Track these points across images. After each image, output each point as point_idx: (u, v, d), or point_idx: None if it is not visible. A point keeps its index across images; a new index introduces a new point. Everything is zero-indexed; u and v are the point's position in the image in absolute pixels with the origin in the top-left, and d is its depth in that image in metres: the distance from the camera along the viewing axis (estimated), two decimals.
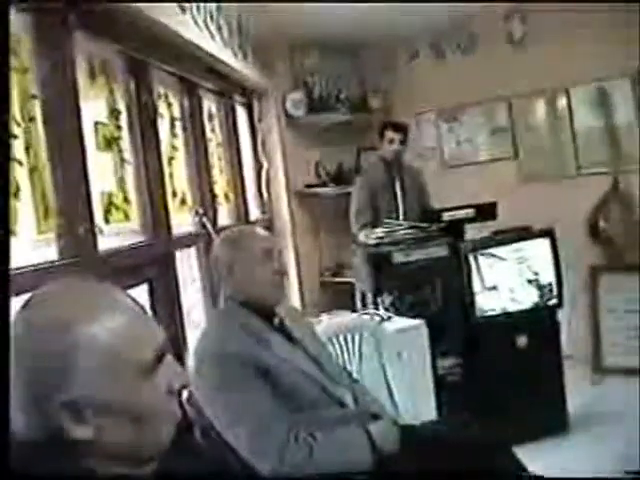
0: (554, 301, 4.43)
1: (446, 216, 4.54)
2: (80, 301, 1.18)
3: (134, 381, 1.17)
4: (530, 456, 2.70)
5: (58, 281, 1.24)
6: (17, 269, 2.13)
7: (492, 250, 4.31)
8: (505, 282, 4.32)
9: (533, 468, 2.63)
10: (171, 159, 3.90)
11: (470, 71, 6.09)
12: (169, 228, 3.62)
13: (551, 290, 4.39)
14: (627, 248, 5.55)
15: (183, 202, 4.02)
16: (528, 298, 4.37)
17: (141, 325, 1.23)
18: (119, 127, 3.23)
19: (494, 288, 4.29)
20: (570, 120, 5.85)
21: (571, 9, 5.29)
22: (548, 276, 4.40)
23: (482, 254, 4.28)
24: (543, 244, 4.41)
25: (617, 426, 4.35)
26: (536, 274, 4.37)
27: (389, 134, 5.18)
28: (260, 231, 2.73)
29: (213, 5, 4.19)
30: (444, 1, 5.22)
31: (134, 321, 1.21)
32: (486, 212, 4.59)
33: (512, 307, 4.32)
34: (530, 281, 4.36)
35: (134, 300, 1.26)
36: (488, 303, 4.28)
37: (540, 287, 4.38)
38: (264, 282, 2.56)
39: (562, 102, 5.87)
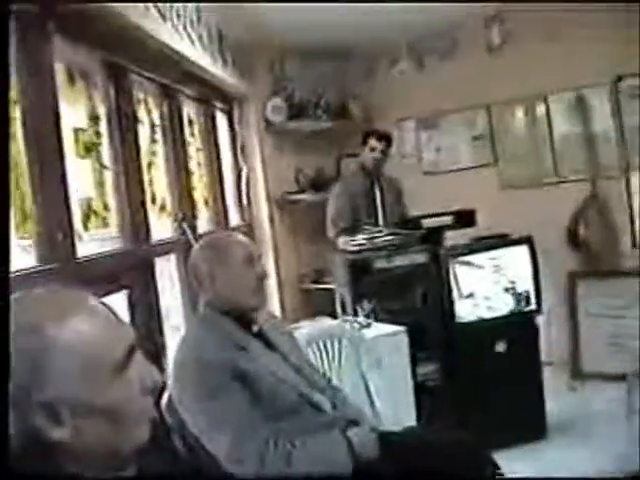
0: (533, 307, 4.45)
1: (425, 223, 4.56)
2: (50, 304, 1.19)
3: (107, 379, 1.18)
4: (509, 461, 2.71)
5: (28, 289, 1.25)
6: None
7: (471, 257, 4.33)
8: (482, 289, 4.34)
9: (511, 473, 2.65)
10: (150, 165, 3.89)
11: (450, 78, 6.12)
12: (148, 234, 3.61)
13: (528, 298, 4.41)
14: (605, 254, 5.59)
15: (163, 208, 4.01)
16: (505, 306, 4.39)
17: (110, 325, 1.23)
18: (98, 133, 3.21)
19: (472, 295, 4.31)
20: (549, 127, 5.89)
21: (551, 12, 5.34)
22: (526, 283, 4.42)
23: (460, 262, 4.29)
24: (522, 251, 4.43)
25: (595, 431, 4.38)
26: (513, 282, 4.38)
27: (372, 142, 5.19)
28: (240, 237, 2.72)
29: (193, 11, 4.19)
30: (428, 1, 5.17)
31: (103, 321, 1.22)
32: (465, 219, 4.62)
33: (489, 314, 4.34)
34: (507, 289, 4.38)
35: (103, 303, 1.27)
36: (466, 310, 4.29)
37: (517, 295, 4.40)
38: (247, 288, 2.56)
39: (541, 109, 5.91)
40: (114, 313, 1.28)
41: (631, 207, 5.50)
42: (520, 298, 4.39)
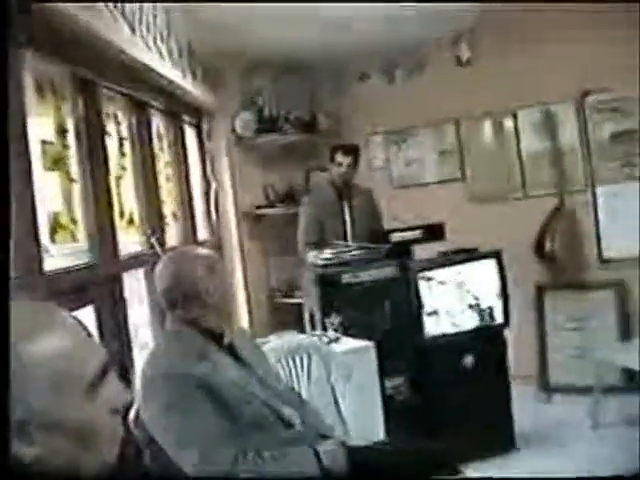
0: (500, 321, 4.47)
1: (394, 237, 4.57)
2: (20, 320, 1.17)
3: (78, 399, 1.16)
4: (478, 474, 2.72)
5: None
6: None
7: (439, 271, 4.35)
8: (449, 304, 4.36)
9: None
10: (119, 179, 3.86)
11: (419, 93, 6.15)
12: (116, 248, 3.58)
13: (491, 312, 4.45)
14: (572, 267, 5.65)
15: (131, 222, 3.99)
16: (471, 320, 4.41)
17: (83, 343, 1.21)
18: (66, 146, 3.19)
19: (439, 310, 4.33)
20: (517, 142, 5.94)
21: (520, 27, 5.41)
22: (493, 296, 4.45)
23: (427, 277, 4.31)
24: (490, 265, 4.46)
25: (563, 443, 4.41)
26: (477, 298, 4.41)
27: (338, 157, 5.20)
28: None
29: (163, 24, 4.18)
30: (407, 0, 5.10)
31: (76, 339, 1.20)
32: (434, 233, 4.64)
33: (456, 329, 4.36)
34: (471, 306, 4.41)
35: (76, 319, 1.25)
36: (434, 324, 4.31)
37: (481, 310, 4.42)
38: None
39: (509, 124, 5.97)
40: (86, 330, 1.26)
41: (597, 221, 5.57)
42: (484, 313, 4.43)
